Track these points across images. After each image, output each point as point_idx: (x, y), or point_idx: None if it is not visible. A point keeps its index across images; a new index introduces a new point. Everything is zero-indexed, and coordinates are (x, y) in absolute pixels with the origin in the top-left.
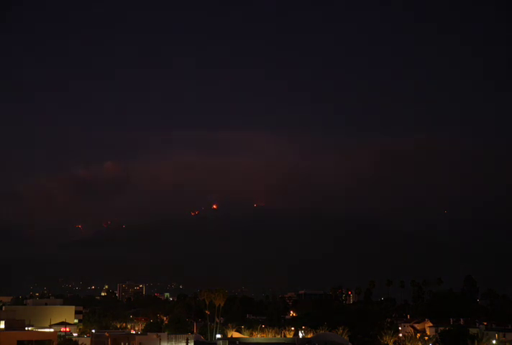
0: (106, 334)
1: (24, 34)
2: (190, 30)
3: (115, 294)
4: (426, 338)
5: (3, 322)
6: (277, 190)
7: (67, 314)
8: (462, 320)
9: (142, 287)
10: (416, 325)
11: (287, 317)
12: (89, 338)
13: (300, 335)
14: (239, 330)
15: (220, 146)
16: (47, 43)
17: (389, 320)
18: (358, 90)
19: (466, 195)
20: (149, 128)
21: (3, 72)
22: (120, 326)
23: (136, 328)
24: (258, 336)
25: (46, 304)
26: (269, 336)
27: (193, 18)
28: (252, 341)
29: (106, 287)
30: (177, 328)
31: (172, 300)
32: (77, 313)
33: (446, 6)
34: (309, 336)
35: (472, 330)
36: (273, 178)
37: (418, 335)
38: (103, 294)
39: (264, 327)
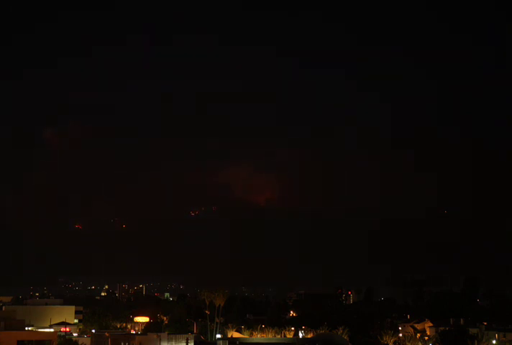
0: (106, 334)
1: None
2: None
3: (115, 294)
4: (426, 338)
5: (3, 322)
6: (278, 190)
7: (67, 314)
8: (462, 320)
9: (142, 287)
10: (416, 326)
11: (287, 317)
12: (89, 338)
13: (301, 335)
14: (239, 330)
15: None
16: None
17: (389, 320)
18: None
19: (466, 194)
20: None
21: None
22: (120, 326)
23: (136, 328)
24: (258, 336)
25: (46, 304)
26: (269, 336)
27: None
28: (252, 341)
29: (106, 287)
30: (177, 328)
31: (172, 300)
32: (77, 313)
33: None
34: (309, 336)
35: (472, 331)
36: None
37: (418, 335)
38: (103, 294)
39: (264, 327)
